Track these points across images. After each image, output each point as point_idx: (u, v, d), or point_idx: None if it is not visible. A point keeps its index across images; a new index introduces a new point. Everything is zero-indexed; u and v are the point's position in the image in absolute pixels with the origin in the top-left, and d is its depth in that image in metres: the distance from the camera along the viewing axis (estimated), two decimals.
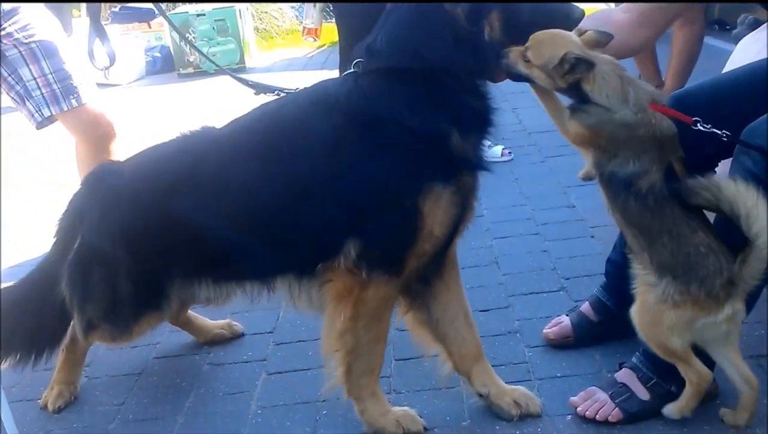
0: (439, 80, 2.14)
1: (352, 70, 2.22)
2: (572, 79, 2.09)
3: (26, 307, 2.71)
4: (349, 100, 2.19)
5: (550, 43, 2.10)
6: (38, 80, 3.31)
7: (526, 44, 2.12)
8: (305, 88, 2.42)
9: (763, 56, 2.61)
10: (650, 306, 2.13)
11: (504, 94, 6.76)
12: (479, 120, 2.23)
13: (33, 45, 3.30)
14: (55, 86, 3.32)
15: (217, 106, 7.91)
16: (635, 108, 2.09)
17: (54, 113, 3.38)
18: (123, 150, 3.48)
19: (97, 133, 3.52)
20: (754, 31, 2.97)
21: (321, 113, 2.24)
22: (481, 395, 2.47)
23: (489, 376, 2.47)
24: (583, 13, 2.27)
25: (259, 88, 2.78)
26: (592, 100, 2.09)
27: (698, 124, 2.14)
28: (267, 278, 2.44)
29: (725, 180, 2.03)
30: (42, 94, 3.32)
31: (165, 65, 10.62)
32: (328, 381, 2.39)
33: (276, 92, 2.65)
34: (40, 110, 3.36)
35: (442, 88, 2.14)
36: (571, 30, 2.18)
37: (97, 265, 2.52)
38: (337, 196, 2.20)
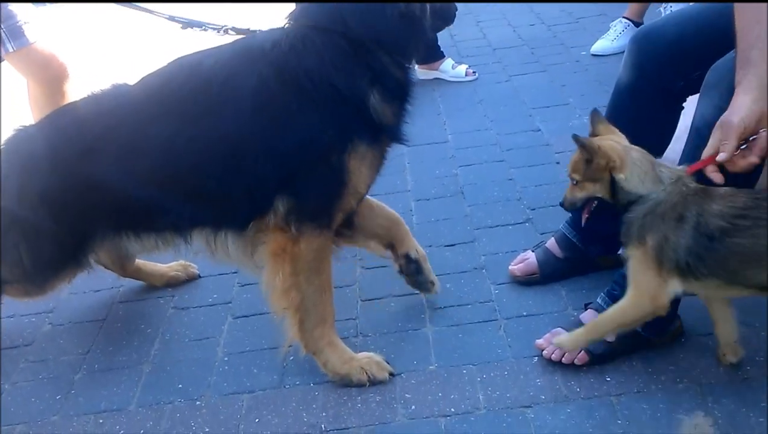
0: (366, 47, 2.17)
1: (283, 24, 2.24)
2: (604, 165, 2.05)
3: None
4: (276, 51, 2.18)
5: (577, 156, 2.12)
6: None
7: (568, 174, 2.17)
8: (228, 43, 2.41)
9: None
10: None
11: (467, 6, 6.72)
12: (400, 90, 2.28)
13: None
14: None
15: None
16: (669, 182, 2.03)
17: (0, 54, 3.24)
18: (77, 89, 3.37)
19: (48, 74, 3.40)
20: None
21: (246, 64, 2.22)
22: (409, 259, 2.59)
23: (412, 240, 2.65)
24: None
25: (185, 23, 2.77)
26: (626, 190, 2.05)
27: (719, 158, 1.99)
28: (184, 231, 2.46)
29: None
30: None
31: None
32: (286, 338, 2.40)
33: (203, 28, 2.66)
34: None
35: (366, 55, 2.17)
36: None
37: (14, 230, 2.46)
38: (264, 152, 2.21)
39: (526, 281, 2.72)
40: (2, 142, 2.58)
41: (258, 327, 2.73)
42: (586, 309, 2.39)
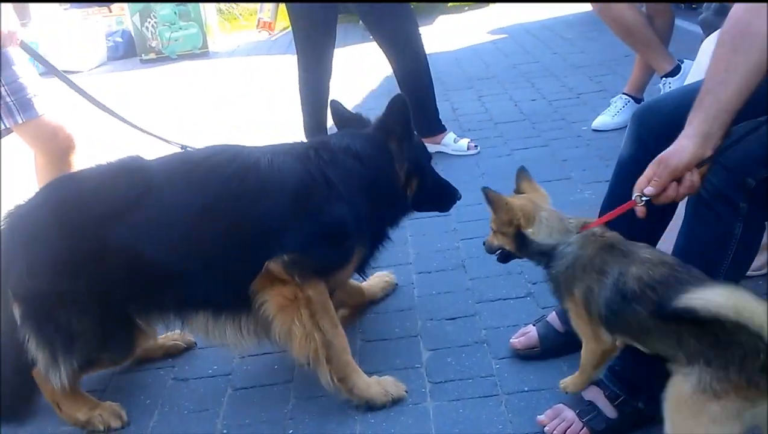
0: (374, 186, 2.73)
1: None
2: (508, 221, 2.29)
3: None
4: (319, 160, 2.66)
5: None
6: None
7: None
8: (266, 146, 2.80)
9: None
10: (687, 398, 1.89)
11: (470, 81, 6.84)
12: (384, 234, 2.90)
13: None
14: (9, 99, 3.23)
15: (179, 93, 7.81)
16: (576, 231, 2.23)
17: (8, 126, 3.30)
18: (83, 160, 3.41)
19: (55, 145, 3.45)
20: (716, 32, 2.94)
21: (294, 162, 2.62)
22: None
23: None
24: (460, 196, 3.09)
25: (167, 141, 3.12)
26: (533, 242, 2.25)
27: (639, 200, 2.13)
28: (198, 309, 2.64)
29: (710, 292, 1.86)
30: None
31: (127, 50, 10.45)
32: (321, 376, 2.57)
33: (183, 147, 3.01)
34: None
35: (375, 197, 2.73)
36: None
37: (55, 307, 2.49)
38: (300, 229, 2.54)
39: (526, 355, 2.71)
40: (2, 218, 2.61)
41: (258, 400, 2.71)
42: (588, 385, 2.37)
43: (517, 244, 2.31)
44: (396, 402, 2.57)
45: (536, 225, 2.25)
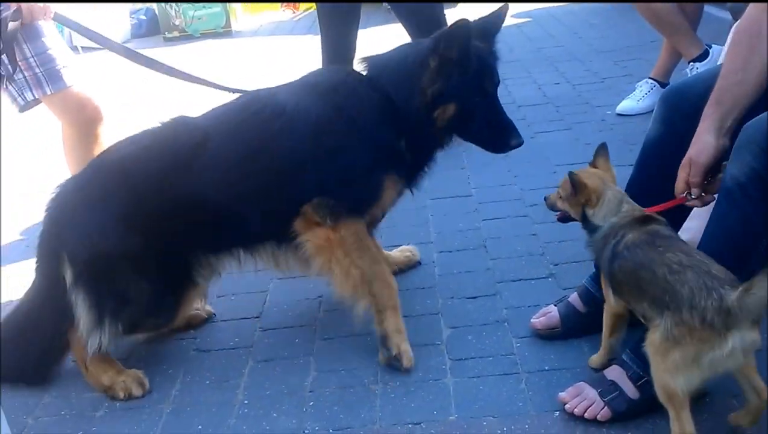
0: (399, 113, 2.69)
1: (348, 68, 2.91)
2: (582, 201, 2.35)
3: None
4: (339, 93, 2.72)
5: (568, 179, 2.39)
6: (20, 63, 3.24)
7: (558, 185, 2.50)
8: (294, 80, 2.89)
9: None
10: (657, 346, 2.04)
11: None
12: (421, 158, 2.86)
13: None
14: (37, 69, 3.26)
15: (202, 71, 7.82)
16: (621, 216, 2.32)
17: (37, 96, 3.32)
18: (110, 133, 3.44)
19: (83, 117, 3.48)
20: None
21: (314, 99, 2.70)
22: None
23: None
24: (519, 143, 2.84)
25: (223, 89, 3.16)
26: (590, 221, 2.36)
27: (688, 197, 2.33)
28: (253, 246, 2.80)
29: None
30: (24, 77, 3.26)
31: (150, 28, 10.47)
32: (357, 311, 2.74)
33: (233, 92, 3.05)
34: (22, 94, 3.30)
35: (400, 119, 2.70)
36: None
37: (115, 269, 2.61)
38: (316, 165, 2.64)
39: (547, 335, 2.71)
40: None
41: (279, 372, 2.74)
42: (610, 364, 2.38)
43: (578, 213, 2.42)
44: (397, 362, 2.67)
45: (599, 207, 2.34)
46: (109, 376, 2.70)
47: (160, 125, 2.79)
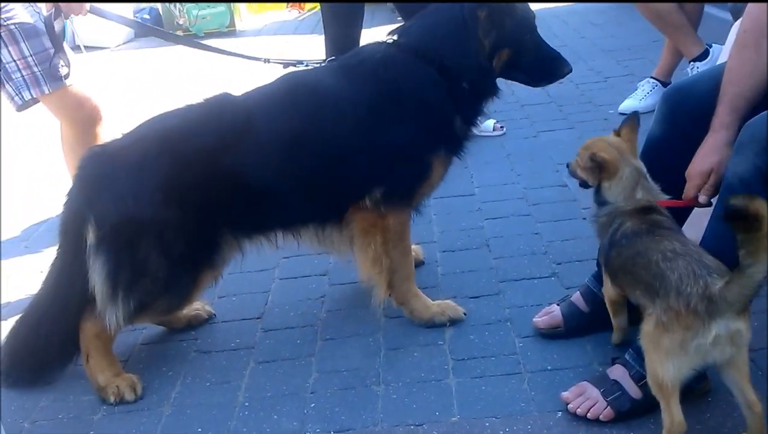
0: (453, 80, 2.70)
1: (386, 41, 2.80)
2: (600, 179, 2.35)
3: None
4: (383, 73, 2.70)
5: (589, 147, 2.39)
6: (18, 62, 3.22)
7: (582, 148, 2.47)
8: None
9: None
10: (650, 336, 2.05)
11: None
12: (473, 115, 2.85)
13: (12, 27, 3.18)
14: (35, 68, 3.23)
15: (206, 70, 7.81)
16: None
17: (35, 95, 3.30)
18: (109, 132, 3.42)
19: (81, 116, 3.45)
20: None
21: (358, 80, 2.72)
22: None
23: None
24: (569, 70, 2.86)
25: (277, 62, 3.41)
26: (603, 196, 2.36)
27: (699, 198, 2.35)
28: (295, 227, 2.84)
29: None
30: (22, 76, 3.24)
31: None
32: (375, 296, 2.86)
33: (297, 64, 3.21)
34: (20, 93, 3.28)
35: (452, 86, 2.70)
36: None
37: (141, 237, 2.56)
38: (368, 151, 2.69)
39: (550, 334, 2.69)
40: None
41: (280, 373, 2.72)
42: (613, 364, 2.35)
43: (594, 183, 2.40)
44: (453, 322, 2.83)
45: (615, 182, 2.33)
46: (105, 377, 2.67)
47: (203, 101, 2.76)
